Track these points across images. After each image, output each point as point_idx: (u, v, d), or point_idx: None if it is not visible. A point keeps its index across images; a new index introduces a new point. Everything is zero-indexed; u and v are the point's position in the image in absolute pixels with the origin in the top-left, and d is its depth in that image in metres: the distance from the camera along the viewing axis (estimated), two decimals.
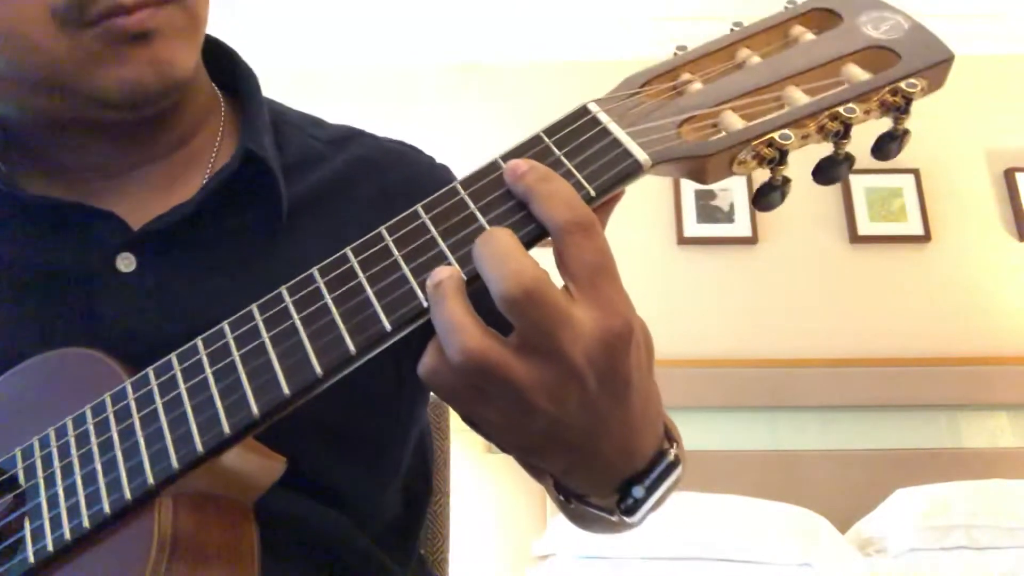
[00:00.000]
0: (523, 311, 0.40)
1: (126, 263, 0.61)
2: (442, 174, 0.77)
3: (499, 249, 0.41)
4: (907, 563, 2.12)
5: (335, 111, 0.84)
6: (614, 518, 0.50)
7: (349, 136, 0.77)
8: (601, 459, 0.47)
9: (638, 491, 0.49)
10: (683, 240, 2.89)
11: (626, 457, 0.49)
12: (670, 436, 0.53)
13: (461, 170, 0.80)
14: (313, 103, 0.85)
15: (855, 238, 2.84)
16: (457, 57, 3.14)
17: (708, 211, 2.90)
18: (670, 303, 2.75)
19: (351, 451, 0.65)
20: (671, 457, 0.51)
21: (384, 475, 0.69)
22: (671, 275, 2.85)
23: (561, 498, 0.54)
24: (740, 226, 2.88)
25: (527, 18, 3.01)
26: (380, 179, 0.72)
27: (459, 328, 0.40)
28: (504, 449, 0.47)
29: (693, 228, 2.90)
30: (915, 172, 2.84)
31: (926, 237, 2.83)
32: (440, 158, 0.80)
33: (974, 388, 2.65)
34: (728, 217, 2.90)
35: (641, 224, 2.86)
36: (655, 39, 3.03)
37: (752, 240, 2.88)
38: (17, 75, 0.57)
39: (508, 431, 0.45)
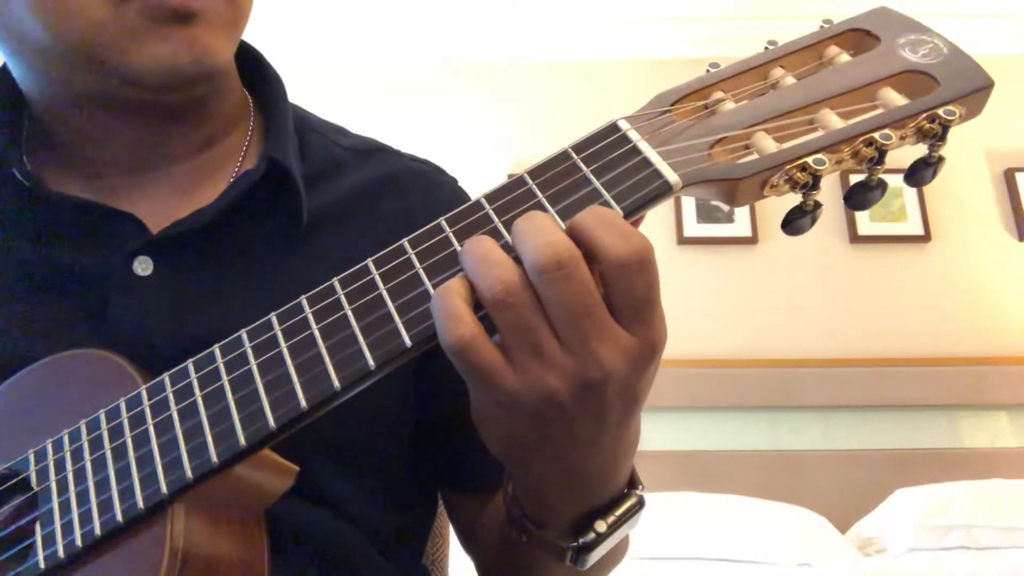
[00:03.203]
0: (501, 319, 0.41)
1: (143, 266, 0.61)
2: (464, 196, 0.77)
3: (485, 256, 0.42)
4: (907, 563, 2.12)
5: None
6: (565, 561, 0.50)
7: (374, 150, 0.76)
8: (580, 475, 0.47)
9: (600, 526, 0.49)
10: (683, 240, 2.88)
11: (605, 480, 0.49)
12: (634, 482, 0.53)
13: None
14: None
15: (855, 238, 2.85)
16: (456, 54, 3.13)
17: (708, 211, 2.90)
18: (670, 303, 2.68)
19: (356, 467, 0.65)
20: (636, 498, 0.51)
21: (389, 490, 0.69)
22: (671, 275, 2.82)
23: (513, 534, 0.54)
24: (740, 226, 2.88)
25: (527, 17, 3.00)
26: (402, 199, 0.71)
27: (454, 316, 0.41)
28: (489, 445, 0.47)
29: (693, 228, 2.90)
30: None
31: (926, 237, 2.83)
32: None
33: (974, 388, 2.66)
34: (728, 217, 2.90)
35: (641, 224, 2.85)
36: (656, 40, 3.02)
37: (752, 240, 2.87)
38: (54, 43, 0.57)
39: (495, 420, 0.45)
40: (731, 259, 2.88)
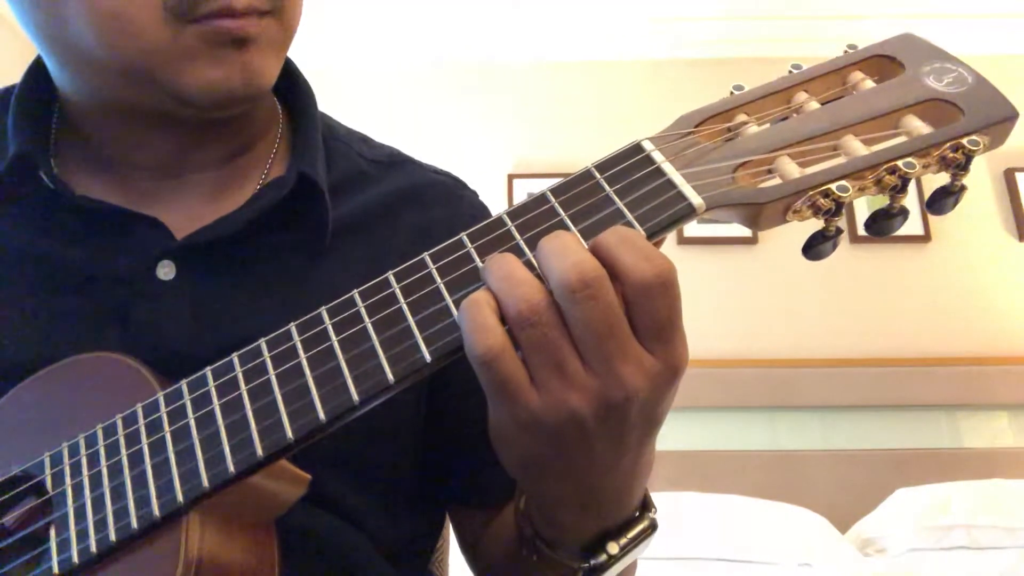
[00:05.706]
0: (525, 337, 0.41)
1: (166, 271, 0.61)
2: (484, 208, 0.77)
3: (509, 273, 0.42)
4: (907, 563, 2.13)
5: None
6: None
7: (397, 161, 0.77)
8: (596, 496, 0.47)
9: (613, 548, 0.49)
10: (683, 240, 2.88)
11: (620, 501, 0.49)
12: (647, 505, 0.53)
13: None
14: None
15: (855, 238, 2.85)
16: (456, 55, 3.12)
17: None
18: None
19: (366, 477, 0.65)
20: (649, 520, 0.51)
21: (399, 500, 0.69)
22: None
23: (523, 552, 0.54)
24: (740, 226, 2.87)
25: (527, 17, 3.00)
26: (423, 212, 0.72)
27: (483, 327, 0.40)
28: (505, 463, 0.47)
29: (693, 228, 2.89)
30: None
31: (926, 237, 2.84)
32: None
33: (974, 388, 2.66)
34: None
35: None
36: (656, 40, 3.02)
37: (752, 240, 2.88)
38: (109, 58, 0.57)
39: (514, 439, 0.44)
40: (731, 259, 2.88)
